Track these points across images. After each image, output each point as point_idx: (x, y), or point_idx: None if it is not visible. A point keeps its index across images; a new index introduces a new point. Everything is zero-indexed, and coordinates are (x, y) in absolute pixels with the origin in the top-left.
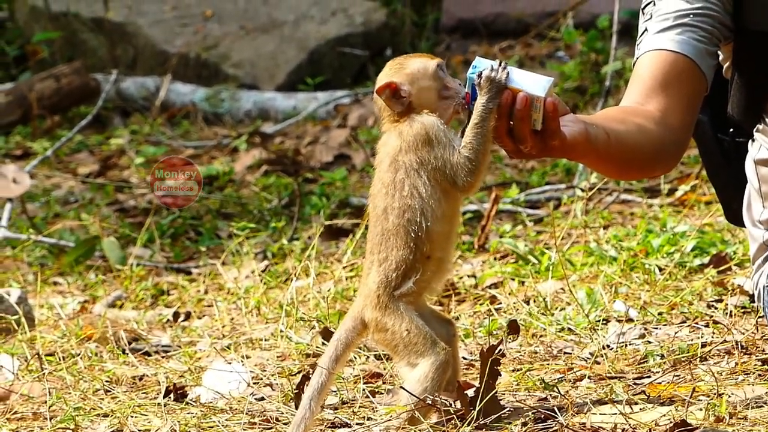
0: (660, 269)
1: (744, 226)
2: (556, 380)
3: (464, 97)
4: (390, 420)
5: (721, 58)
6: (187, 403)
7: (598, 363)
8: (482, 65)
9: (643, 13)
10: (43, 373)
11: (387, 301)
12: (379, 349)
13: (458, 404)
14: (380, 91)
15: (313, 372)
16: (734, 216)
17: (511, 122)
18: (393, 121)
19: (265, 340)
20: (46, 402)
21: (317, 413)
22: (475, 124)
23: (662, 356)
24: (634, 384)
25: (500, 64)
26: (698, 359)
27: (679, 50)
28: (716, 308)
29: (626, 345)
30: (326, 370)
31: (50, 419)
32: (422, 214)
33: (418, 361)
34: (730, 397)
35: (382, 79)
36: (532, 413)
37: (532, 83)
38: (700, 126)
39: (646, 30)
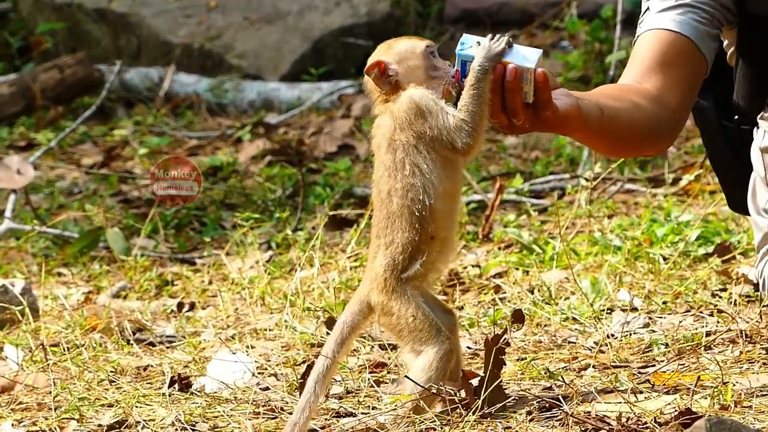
0: (664, 258)
1: (747, 215)
2: (561, 369)
3: (454, 76)
4: (395, 409)
5: (725, 44)
6: (192, 393)
7: (603, 352)
8: (470, 41)
9: None
10: (48, 364)
11: (394, 284)
12: (383, 339)
13: (463, 393)
14: (369, 70)
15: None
16: (737, 204)
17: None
18: (383, 101)
19: (270, 330)
20: (50, 392)
21: (322, 397)
22: (471, 86)
23: (667, 345)
24: (639, 373)
25: (496, 36)
26: (703, 348)
27: (680, 30)
28: (721, 297)
29: (631, 334)
30: (331, 354)
31: (55, 409)
32: (425, 191)
33: (422, 348)
34: (734, 385)
35: (371, 59)
36: (537, 402)
37: (522, 56)
38: (704, 113)
39: (648, 9)
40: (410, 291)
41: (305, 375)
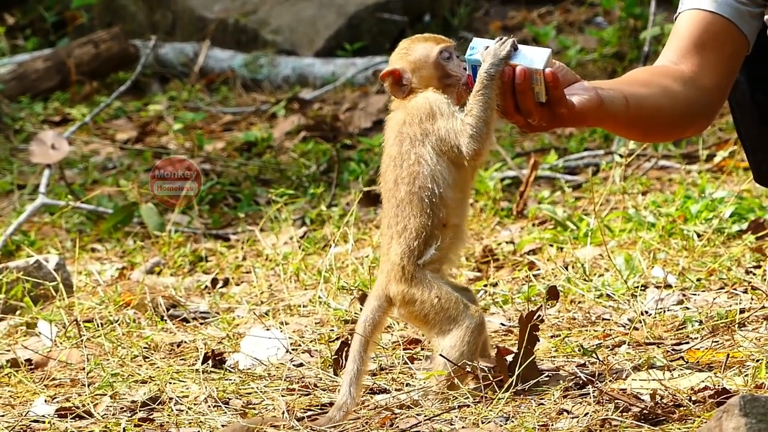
0: (698, 235)
1: None
2: (595, 346)
3: (466, 82)
4: (429, 386)
5: (766, 17)
6: (226, 370)
7: (637, 329)
8: (479, 46)
9: None
10: (81, 340)
11: (413, 270)
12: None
13: (496, 370)
14: (384, 77)
15: (351, 339)
16: (764, 177)
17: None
18: (400, 98)
19: (304, 306)
20: (84, 368)
21: (359, 397)
22: (477, 92)
23: (700, 322)
24: (673, 350)
25: (501, 39)
26: (737, 325)
27: (718, 11)
28: (754, 274)
29: (664, 311)
30: (358, 355)
31: (88, 386)
32: (433, 180)
33: (450, 327)
34: None
35: (390, 63)
36: (571, 379)
37: (529, 58)
38: (737, 85)
39: None
40: (429, 274)
41: (339, 351)
